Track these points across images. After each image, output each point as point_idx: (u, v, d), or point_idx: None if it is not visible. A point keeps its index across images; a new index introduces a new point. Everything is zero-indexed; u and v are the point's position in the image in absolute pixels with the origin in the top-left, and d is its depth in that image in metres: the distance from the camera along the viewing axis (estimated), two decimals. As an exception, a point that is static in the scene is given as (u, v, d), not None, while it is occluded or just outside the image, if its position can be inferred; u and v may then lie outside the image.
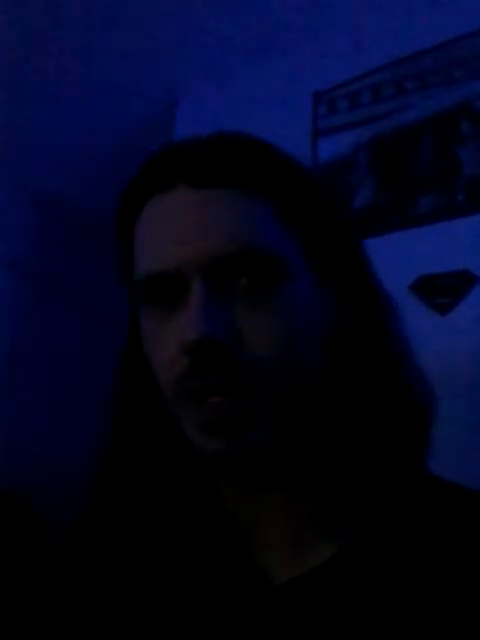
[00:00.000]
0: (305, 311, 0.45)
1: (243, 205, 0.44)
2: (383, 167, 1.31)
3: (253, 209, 0.44)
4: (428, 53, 1.32)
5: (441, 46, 1.30)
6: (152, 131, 1.86)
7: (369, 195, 1.30)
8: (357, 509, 0.45)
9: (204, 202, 0.44)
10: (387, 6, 1.38)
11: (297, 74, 1.50)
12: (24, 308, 2.25)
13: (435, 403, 0.47)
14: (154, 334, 0.46)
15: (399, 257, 1.18)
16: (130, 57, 1.64)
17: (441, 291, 1.12)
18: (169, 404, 0.46)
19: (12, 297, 2.22)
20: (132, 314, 0.52)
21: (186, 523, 0.48)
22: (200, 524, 0.47)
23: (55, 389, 2.23)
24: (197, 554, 0.46)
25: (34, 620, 0.49)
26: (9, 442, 2.05)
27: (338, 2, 1.40)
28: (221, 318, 0.42)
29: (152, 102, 1.80)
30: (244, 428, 0.42)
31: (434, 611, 0.40)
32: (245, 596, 0.44)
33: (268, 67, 1.56)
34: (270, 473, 0.46)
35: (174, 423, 0.46)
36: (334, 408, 0.46)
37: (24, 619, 0.49)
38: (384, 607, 0.40)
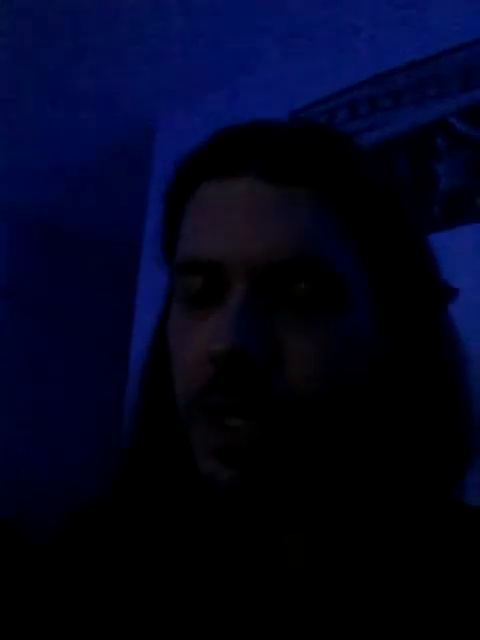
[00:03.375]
0: (361, 346, 0.39)
1: (315, 213, 0.38)
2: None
3: (325, 220, 0.38)
4: (403, 71, 1.34)
5: (416, 64, 1.33)
6: (132, 150, 1.87)
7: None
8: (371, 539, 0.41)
9: (274, 198, 0.37)
10: (361, 25, 1.41)
11: (274, 92, 1.52)
12: (5, 327, 2.23)
13: (476, 444, 0.42)
14: (182, 332, 0.39)
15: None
16: (108, 77, 1.64)
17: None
18: (182, 418, 0.39)
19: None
20: (165, 305, 0.46)
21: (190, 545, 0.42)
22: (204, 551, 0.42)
23: (37, 409, 2.20)
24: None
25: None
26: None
27: (313, 22, 1.42)
28: (260, 329, 0.36)
29: (131, 122, 1.81)
30: (264, 459, 0.36)
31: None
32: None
33: (245, 85, 1.58)
34: (287, 510, 0.41)
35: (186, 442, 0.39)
36: (368, 439, 0.41)
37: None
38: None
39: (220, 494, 0.38)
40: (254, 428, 0.36)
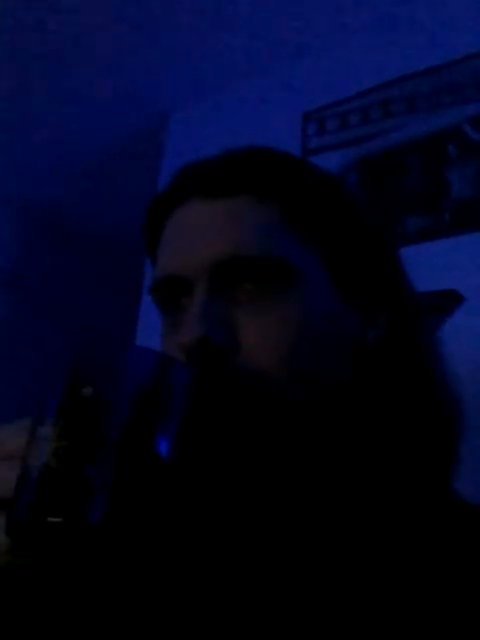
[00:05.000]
0: (321, 324, 0.43)
1: (249, 212, 0.44)
2: (371, 187, 1.32)
3: (261, 216, 0.44)
4: (417, 77, 1.34)
5: (430, 71, 1.32)
6: (142, 146, 1.87)
7: (357, 214, 1.31)
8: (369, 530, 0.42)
9: (210, 211, 0.45)
10: (377, 29, 1.40)
11: (287, 93, 1.51)
12: (7, 318, 2.23)
13: (463, 424, 0.45)
14: (165, 342, 0.46)
15: (386, 276, 1.18)
16: (121, 72, 1.64)
17: (427, 310, 1.13)
18: None
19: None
20: None
21: None
22: None
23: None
24: None
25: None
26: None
27: (329, 23, 1.42)
28: (221, 320, 0.42)
29: (142, 117, 1.80)
30: (241, 433, 0.40)
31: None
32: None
33: (259, 86, 1.58)
34: (279, 492, 0.43)
35: None
36: (357, 424, 0.44)
37: None
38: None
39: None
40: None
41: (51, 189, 2.17)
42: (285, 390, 0.41)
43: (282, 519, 0.43)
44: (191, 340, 0.41)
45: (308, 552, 0.41)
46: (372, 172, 1.33)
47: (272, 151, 0.49)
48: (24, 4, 1.44)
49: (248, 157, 0.47)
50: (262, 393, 0.41)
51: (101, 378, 0.34)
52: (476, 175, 1.21)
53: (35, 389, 0.37)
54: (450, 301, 1.12)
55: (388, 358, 0.46)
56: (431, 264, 1.17)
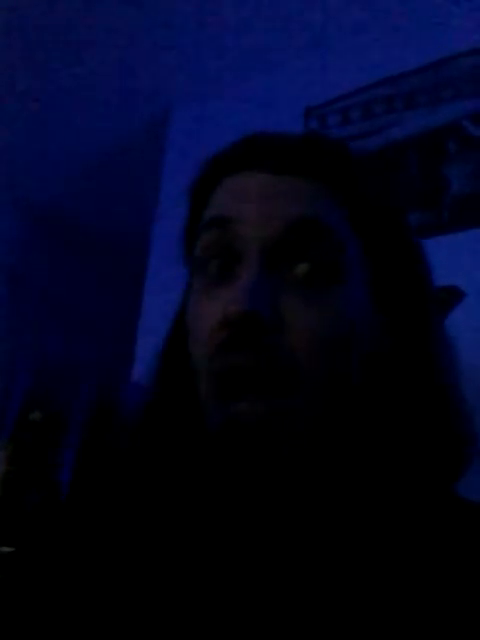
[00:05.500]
0: (354, 321, 0.43)
1: (314, 194, 0.44)
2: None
3: (324, 202, 0.44)
4: (418, 73, 1.34)
5: (430, 66, 1.32)
6: (143, 144, 1.87)
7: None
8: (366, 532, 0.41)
9: (279, 184, 0.44)
10: (378, 25, 1.40)
11: (289, 89, 1.52)
12: (8, 317, 2.23)
13: (475, 445, 0.44)
14: (198, 304, 0.44)
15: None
16: (123, 69, 1.65)
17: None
18: (199, 383, 0.43)
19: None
20: (185, 294, 0.50)
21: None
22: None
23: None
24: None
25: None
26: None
27: (330, 20, 1.42)
28: (269, 297, 0.40)
29: (144, 114, 1.81)
30: (276, 394, 0.39)
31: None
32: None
33: (261, 81, 1.58)
34: (282, 489, 0.42)
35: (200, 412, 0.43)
36: (362, 427, 0.43)
37: None
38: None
39: (228, 433, 0.41)
40: (260, 379, 0.39)
41: (52, 189, 2.17)
42: (315, 379, 0.41)
43: (282, 516, 0.43)
44: (238, 312, 0.39)
45: (307, 549, 0.41)
46: (373, 168, 1.33)
47: (344, 145, 0.50)
48: (25, 4, 1.45)
49: (323, 145, 0.48)
50: (295, 375, 0.40)
51: (54, 402, 0.33)
52: (475, 171, 1.21)
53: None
54: (450, 297, 1.13)
55: (400, 366, 0.45)
56: (431, 260, 1.17)
